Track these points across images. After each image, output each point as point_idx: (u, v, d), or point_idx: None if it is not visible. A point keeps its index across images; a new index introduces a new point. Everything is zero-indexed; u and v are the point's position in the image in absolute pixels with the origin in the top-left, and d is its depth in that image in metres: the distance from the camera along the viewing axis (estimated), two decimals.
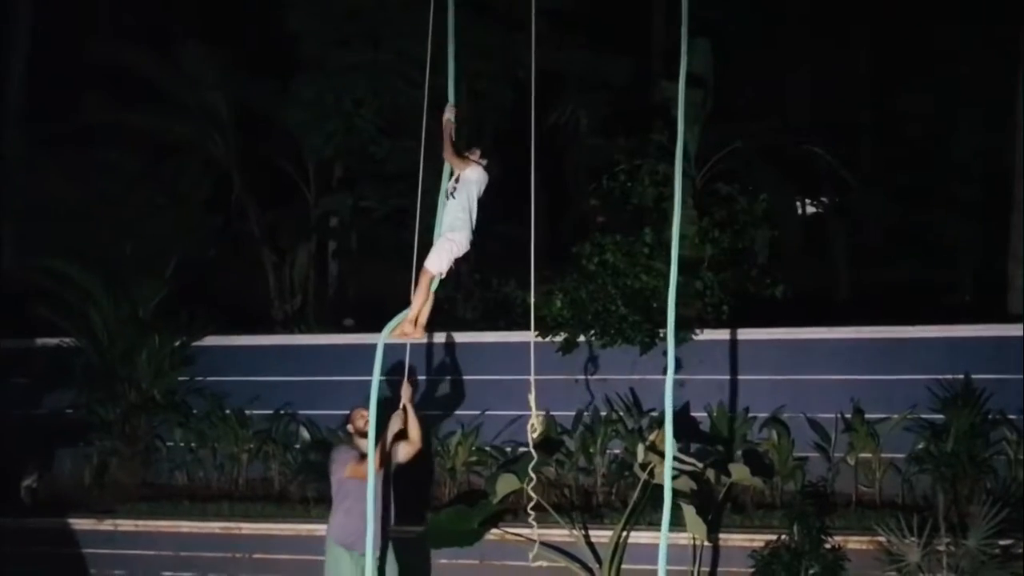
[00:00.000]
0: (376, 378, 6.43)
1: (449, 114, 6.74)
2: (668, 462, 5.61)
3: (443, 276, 6.66)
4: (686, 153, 10.98)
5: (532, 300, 7.55)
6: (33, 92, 14.44)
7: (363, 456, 6.66)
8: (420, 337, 6.66)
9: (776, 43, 14.95)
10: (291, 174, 13.90)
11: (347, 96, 12.78)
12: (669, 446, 5.79)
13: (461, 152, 6.71)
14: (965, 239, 14.90)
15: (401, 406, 6.96)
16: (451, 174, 6.77)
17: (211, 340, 11.14)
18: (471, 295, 12.57)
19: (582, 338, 10.09)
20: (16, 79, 14.36)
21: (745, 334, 10.04)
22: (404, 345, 6.90)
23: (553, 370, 9.71)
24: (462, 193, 6.59)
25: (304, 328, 12.40)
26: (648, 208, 10.75)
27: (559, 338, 10.12)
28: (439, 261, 6.57)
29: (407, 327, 6.54)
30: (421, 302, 6.54)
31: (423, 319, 6.57)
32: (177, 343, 11.06)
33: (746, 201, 10.77)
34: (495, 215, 11.87)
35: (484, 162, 6.73)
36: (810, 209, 15.64)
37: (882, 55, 14.96)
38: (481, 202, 6.66)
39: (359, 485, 6.52)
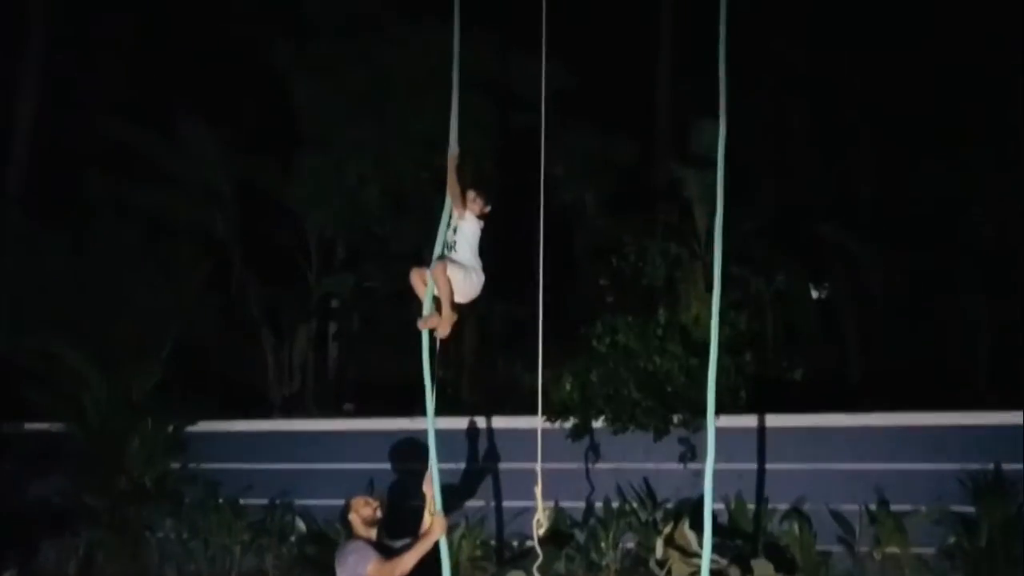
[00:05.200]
0: (430, 396, 6.02)
1: (453, 151, 6.43)
2: (706, 562, 5.21)
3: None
4: (696, 234, 11.44)
5: (540, 383, 7.14)
6: (34, 169, 14.46)
7: (382, 552, 6.04)
8: (454, 319, 6.23)
9: (784, 119, 14.88)
10: (292, 253, 13.89)
11: (351, 174, 12.81)
12: (708, 544, 5.44)
13: (464, 191, 6.38)
14: (981, 318, 14.51)
15: (427, 510, 6.16)
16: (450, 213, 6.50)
17: (205, 425, 11.07)
18: (474, 377, 12.52)
19: (592, 423, 10.02)
20: (18, 156, 14.41)
21: (760, 421, 9.97)
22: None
23: (562, 457, 9.52)
24: (463, 245, 6.31)
25: (302, 413, 12.39)
26: (660, 288, 11.00)
27: (568, 423, 10.05)
28: (452, 267, 6.19)
29: (435, 321, 6.16)
30: (447, 292, 6.12)
31: (447, 307, 6.14)
32: (170, 428, 10.90)
33: (760, 283, 11.20)
34: (500, 294, 12.18)
35: (487, 211, 6.37)
36: (820, 289, 15.48)
37: (892, 129, 14.90)
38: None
39: None
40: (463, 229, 6.32)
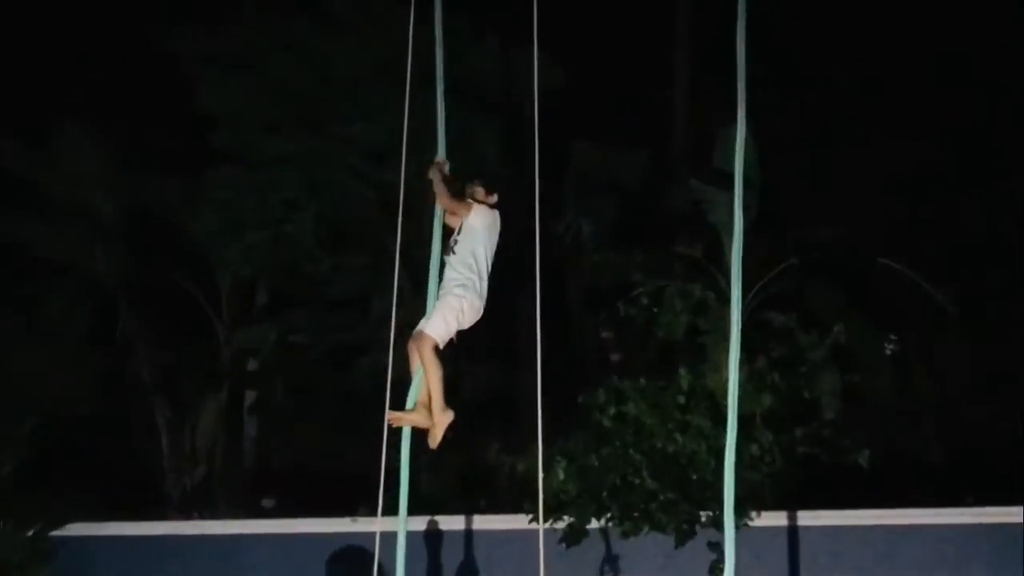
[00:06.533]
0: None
1: (439, 158, 6.90)
2: None
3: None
4: (726, 272, 10.94)
5: (539, 468, 7.08)
6: None
7: None
8: (448, 420, 6.60)
9: (830, 130, 15.01)
10: (197, 298, 13.89)
11: (275, 197, 12.77)
12: None
13: (460, 193, 6.74)
14: None
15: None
16: (447, 226, 6.85)
17: (80, 527, 10.85)
18: (436, 461, 11.74)
19: (594, 523, 9.90)
20: None
21: (816, 518, 9.89)
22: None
23: (555, 569, 8.90)
24: (465, 245, 6.57)
25: (208, 511, 12.29)
26: (680, 343, 10.77)
27: (562, 523, 9.89)
28: (442, 323, 6.47)
29: (430, 421, 6.52)
30: (436, 380, 6.45)
31: (438, 402, 6.48)
32: (32, 531, 10.64)
33: (812, 335, 10.68)
34: (471, 351, 11.94)
35: (493, 199, 6.75)
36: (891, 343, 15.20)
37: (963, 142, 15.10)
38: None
39: None
40: (471, 224, 6.57)
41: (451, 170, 6.87)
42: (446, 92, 7.01)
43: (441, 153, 6.84)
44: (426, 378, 6.44)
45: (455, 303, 6.46)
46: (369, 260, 12.67)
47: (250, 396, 14.40)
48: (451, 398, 12.71)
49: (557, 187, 13.22)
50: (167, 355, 13.71)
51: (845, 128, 14.93)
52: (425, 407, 6.47)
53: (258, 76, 12.89)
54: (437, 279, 6.67)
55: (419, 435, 6.56)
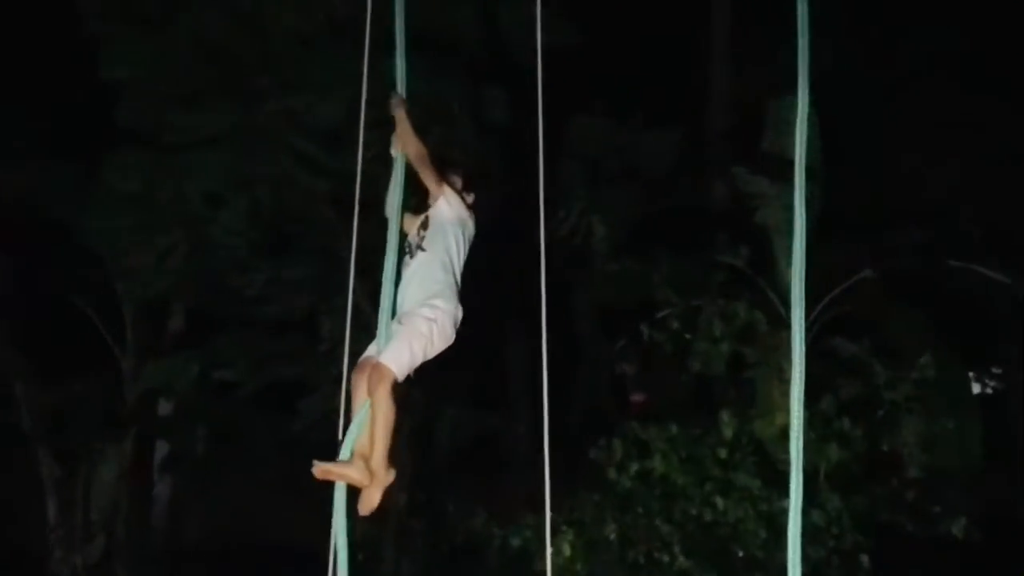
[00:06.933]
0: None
1: (398, 99, 6.61)
2: None
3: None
4: (779, 287, 11.18)
5: (547, 542, 6.78)
6: None
7: None
8: (388, 481, 6.35)
9: (917, 105, 14.93)
10: (93, 322, 13.73)
11: (195, 188, 12.50)
12: None
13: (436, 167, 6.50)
14: None
15: None
16: (414, 209, 6.62)
17: None
18: (407, 532, 12.16)
19: None
20: None
21: None
22: None
23: None
24: (436, 241, 6.35)
25: None
26: (720, 379, 10.88)
27: None
28: (407, 352, 6.21)
29: (368, 478, 6.24)
30: (386, 427, 6.21)
31: (380, 456, 6.22)
32: None
33: (889, 369, 10.58)
34: (452, 392, 12.51)
35: (471, 199, 6.57)
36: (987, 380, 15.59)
37: None
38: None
39: None
40: (441, 213, 6.38)
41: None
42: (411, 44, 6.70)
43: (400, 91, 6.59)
44: (373, 423, 6.17)
45: (424, 328, 6.23)
46: (317, 271, 12.35)
47: (162, 448, 14.21)
48: (424, 449, 12.73)
49: (561, 175, 12.86)
50: (54, 395, 13.47)
51: (936, 103, 14.66)
52: (364, 459, 6.17)
53: (173, 34, 12.47)
54: (392, 282, 6.41)
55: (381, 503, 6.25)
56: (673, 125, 13.85)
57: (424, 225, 6.43)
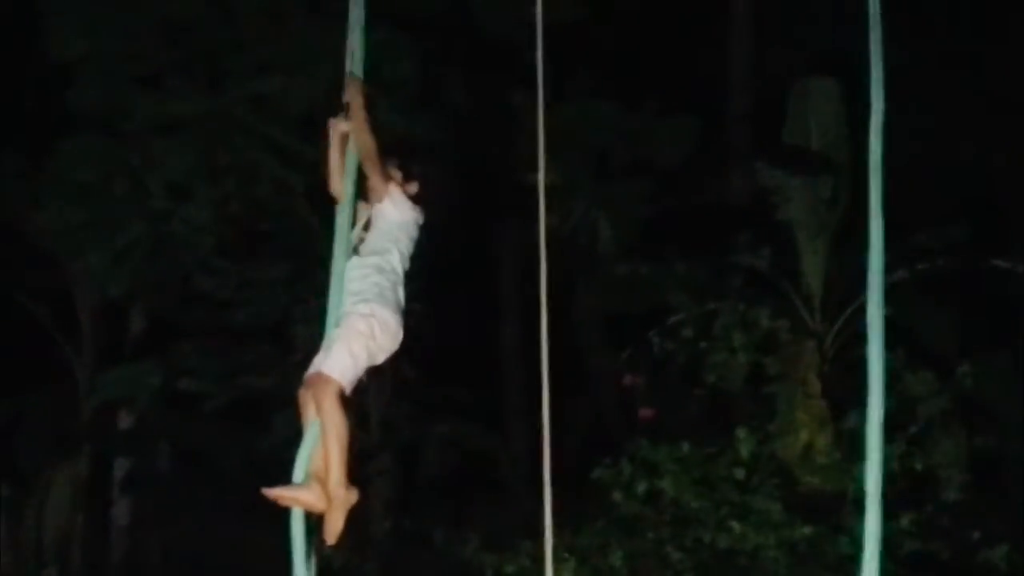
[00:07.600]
0: None
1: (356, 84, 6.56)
2: None
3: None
4: (804, 291, 11.69)
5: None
6: None
7: None
8: (350, 503, 6.18)
9: (957, 89, 14.93)
10: (46, 328, 14.02)
11: (156, 180, 12.71)
12: None
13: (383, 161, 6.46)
14: None
15: None
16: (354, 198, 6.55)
17: None
18: (387, 560, 12.43)
19: None
20: None
21: None
22: None
23: None
24: (378, 240, 6.40)
25: None
26: (737, 392, 11.18)
27: None
28: (347, 357, 6.13)
29: (325, 502, 6.09)
30: (339, 442, 6.08)
31: (337, 476, 6.10)
32: None
33: (924, 380, 10.83)
34: (438, 405, 11.62)
35: (413, 190, 6.56)
36: None
37: None
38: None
39: None
40: (384, 212, 6.43)
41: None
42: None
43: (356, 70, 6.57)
44: (323, 440, 6.03)
45: (362, 325, 6.16)
46: (290, 272, 12.71)
47: (121, 465, 14.40)
48: (411, 470, 12.68)
49: (563, 165, 12.43)
50: (2, 408, 13.66)
51: (978, 87, 14.71)
52: (320, 481, 6.00)
53: (132, 8, 12.68)
54: (342, 280, 6.34)
55: (354, 521, 6.02)
56: (687, 111, 14.01)
57: (366, 226, 6.50)
